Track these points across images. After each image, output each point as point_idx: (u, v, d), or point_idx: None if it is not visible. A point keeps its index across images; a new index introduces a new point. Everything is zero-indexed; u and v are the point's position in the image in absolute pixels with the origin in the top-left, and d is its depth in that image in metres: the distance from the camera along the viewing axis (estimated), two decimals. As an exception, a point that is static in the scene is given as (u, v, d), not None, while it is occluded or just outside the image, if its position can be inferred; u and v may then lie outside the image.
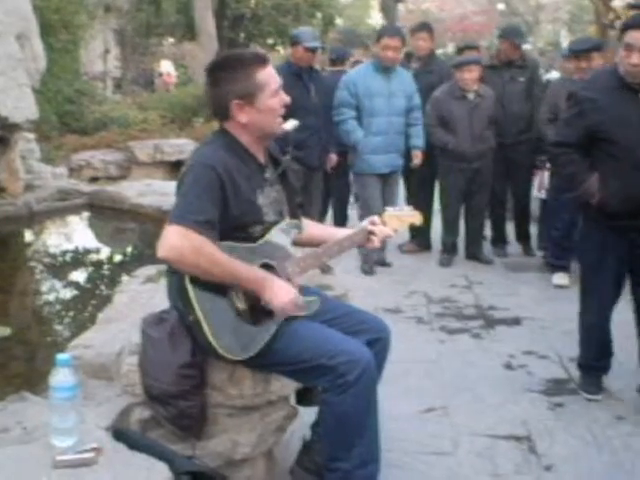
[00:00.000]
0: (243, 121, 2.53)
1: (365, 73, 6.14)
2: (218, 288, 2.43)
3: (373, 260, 6.30)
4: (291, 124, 2.86)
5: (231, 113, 2.53)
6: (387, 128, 6.07)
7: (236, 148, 2.57)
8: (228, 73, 2.52)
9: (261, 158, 2.67)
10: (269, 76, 2.55)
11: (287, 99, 2.62)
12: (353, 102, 6.02)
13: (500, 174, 6.64)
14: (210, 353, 2.48)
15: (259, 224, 2.56)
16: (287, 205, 2.75)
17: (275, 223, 2.62)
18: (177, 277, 2.45)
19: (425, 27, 6.85)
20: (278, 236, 2.62)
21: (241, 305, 2.47)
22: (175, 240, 2.32)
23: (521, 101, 6.49)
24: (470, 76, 6.26)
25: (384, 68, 6.06)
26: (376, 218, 2.87)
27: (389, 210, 2.92)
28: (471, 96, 6.33)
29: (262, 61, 2.56)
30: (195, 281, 2.39)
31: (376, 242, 2.81)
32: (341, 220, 7.33)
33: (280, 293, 2.46)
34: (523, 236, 6.97)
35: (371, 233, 2.81)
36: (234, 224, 2.47)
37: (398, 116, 6.12)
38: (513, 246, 7.02)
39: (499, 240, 7.01)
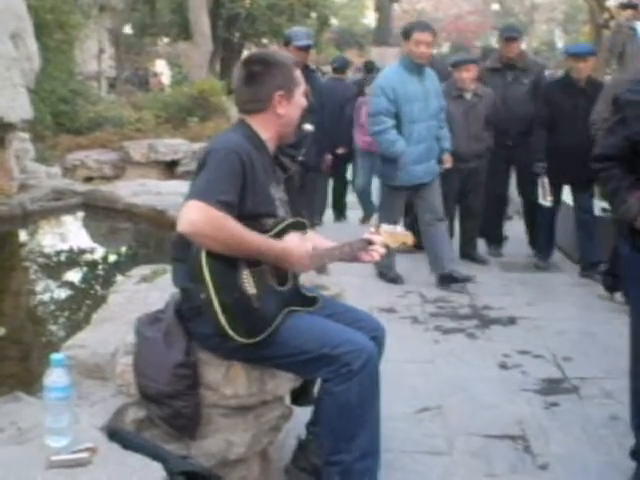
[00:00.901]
0: (281, 112, 2.66)
1: (400, 76, 5.69)
2: (230, 271, 2.45)
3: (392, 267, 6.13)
4: (307, 127, 2.98)
5: (272, 104, 2.64)
6: (426, 134, 5.75)
7: (256, 140, 2.64)
8: (272, 68, 2.66)
9: (271, 156, 2.74)
10: (300, 76, 2.76)
11: (305, 102, 2.80)
12: (392, 109, 5.59)
13: (501, 174, 6.64)
14: (209, 338, 2.49)
15: (271, 216, 2.60)
16: (290, 208, 2.77)
17: (284, 220, 2.65)
18: (189, 257, 2.46)
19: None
20: (290, 230, 2.65)
21: (251, 290, 2.48)
22: (196, 215, 2.33)
23: (525, 103, 6.44)
24: (468, 75, 6.26)
25: (417, 67, 5.68)
26: (373, 230, 2.89)
27: (384, 227, 2.95)
28: (468, 96, 6.34)
29: (295, 62, 2.83)
30: (209, 262, 2.40)
31: (375, 255, 2.80)
32: (338, 221, 7.37)
33: (299, 259, 2.56)
34: (535, 238, 6.84)
35: (370, 243, 2.80)
36: (249, 212, 2.50)
37: (434, 119, 5.82)
38: (508, 246, 7.02)
39: (494, 240, 7.01)
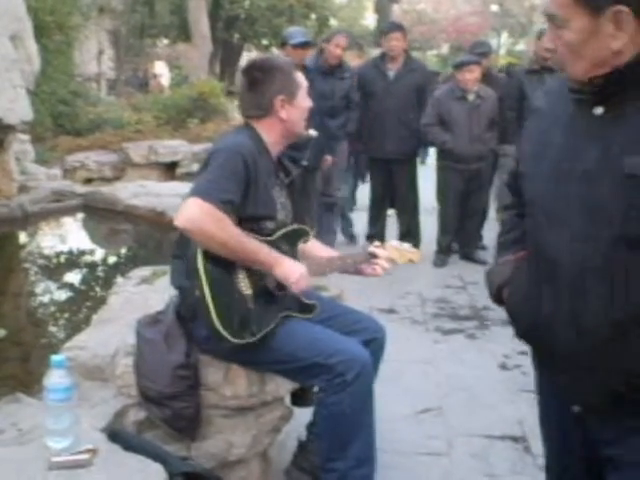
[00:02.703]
0: (284, 117, 2.67)
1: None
2: (227, 271, 2.45)
3: None
4: (312, 133, 2.96)
5: (274, 109, 2.66)
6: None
7: (260, 144, 2.65)
8: (271, 74, 2.68)
9: (275, 160, 2.75)
10: (301, 78, 2.77)
11: (310, 102, 2.79)
12: None
13: None
14: (206, 340, 2.49)
15: (272, 220, 2.60)
16: (291, 211, 2.77)
17: (283, 224, 2.65)
18: (186, 256, 2.47)
19: (398, 27, 6.86)
20: (292, 236, 2.67)
21: (246, 290, 2.48)
22: (195, 212, 2.34)
23: None
24: (471, 76, 6.25)
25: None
26: (378, 244, 2.87)
27: (391, 242, 2.93)
28: (471, 97, 6.32)
29: (295, 66, 2.83)
30: (206, 260, 2.40)
31: (379, 270, 2.77)
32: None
33: (292, 270, 2.51)
34: None
35: (373, 256, 2.77)
36: (250, 214, 2.50)
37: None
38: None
39: None
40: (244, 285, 2.48)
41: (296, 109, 2.70)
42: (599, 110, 1.55)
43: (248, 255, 2.45)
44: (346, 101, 6.47)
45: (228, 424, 2.61)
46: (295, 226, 2.70)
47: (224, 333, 2.40)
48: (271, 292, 2.56)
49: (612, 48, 1.48)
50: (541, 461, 3.25)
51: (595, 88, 1.54)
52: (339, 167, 6.76)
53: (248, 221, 2.49)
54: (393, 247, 2.86)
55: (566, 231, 1.58)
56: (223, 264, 2.44)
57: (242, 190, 2.45)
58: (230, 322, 2.41)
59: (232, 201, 2.40)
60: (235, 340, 2.42)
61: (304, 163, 2.94)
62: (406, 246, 2.93)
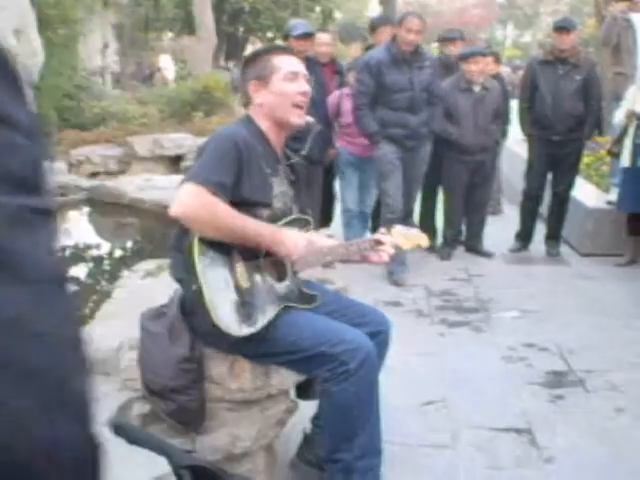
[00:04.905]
0: (258, 101, 2.66)
1: None
2: (224, 263, 2.45)
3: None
4: (309, 119, 2.87)
5: (250, 94, 2.67)
6: None
7: (257, 132, 2.65)
8: (249, 61, 2.73)
9: (278, 151, 2.73)
10: (285, 62, 2.68)
11: (306, 88, 2.69)
12: None
13: (541, 170, 6.58)
14: (208, 334, 2.48)
15: (267, 207, 2.57)
16: (295, 204, 2.75)
17: (282, 213, 2.64)
18: (185, 247, 2.45)
19: (390, 21, 6.83)
20: (289, 226, 2.64)
21: (244, 283, 2.48)
22: (186, 197, 2.34)
23: (574, 99, 6.29)
24: (477, 68, 6.24)
25: None
26: (384, 230, 2.83)
27: (397, 227, 2.87)
28: (477, 88, 6.31)
29: (282, 50, 2.78)
30: (202, 253, 2.40)
31: (385, 256, 2.69)
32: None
33: (294, 244, 2.53)
34: (555, 236, 6.79)
35: (378, 242, 2.70)
36: (245, 198, 2.48)
37: None
38: (512, 241, 6.99)
39: (524, 237, 6.86)
40: (242, 277, 2.48)
41: (271, 93, 2.65)
42: None
43: (244, 236, 2.44)
44: (428, 94, 5.79)
45: (233, 417, 2.61)
46: (295, 215, 2.69)
47: (222, 326, 2.39)
48: (271, 284, 2.55)
49: None
50: (546, 453, 3.26)
51: None
52: (422, 171, 6.04)
53: (242, 205, 2.47)
54: (399, 232, 2.79)
55: None
56: (220, 257, 2.44)
57: (234, 172, 2.44)
58: (228, 317, 2.41)
59: (222, 183, 2.39)
60: (233, 333, 2.41)
61: (303, 153, 2.87)
62: (413, 231, 2.88)
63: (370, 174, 6.26)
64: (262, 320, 2.48)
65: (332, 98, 6.19)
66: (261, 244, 2.50)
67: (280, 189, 2.65)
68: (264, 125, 2.68)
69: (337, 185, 6.88)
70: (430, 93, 5.79)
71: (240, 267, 2.48)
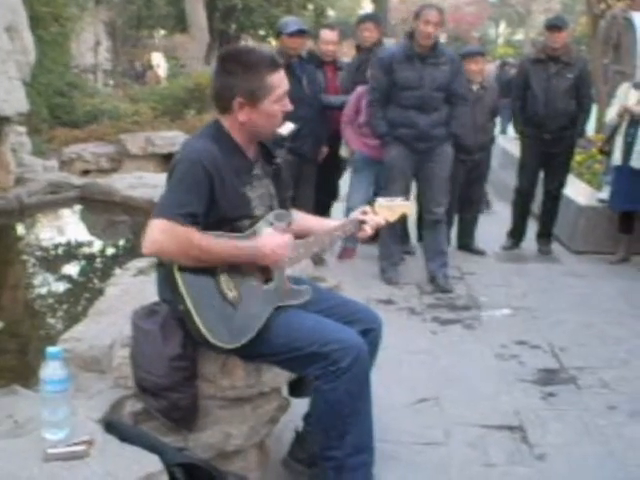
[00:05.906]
0: (241, 120, 2.50)
1: None
2: (207, 277, 2.42)
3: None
4: (287, 128, 2.84)
5: (232, 108, 2.50)
6: None
7: (227, 142, 2.53)
8: (240, 68, 2.47)
9: (251, 154, 2.63)
10: (279, 81, 2.52)
11: (289, 107, 2.59)
12: None
13: (533, 168, 6.60)
14: (202, 343, 2.46)
15: (248, 218, 2.54)
16: (277, 198, 2.72)
17: (265, 215, 2.61)
18: (165, 268, 2.43)
19: (371, 17, 6.80)
20: (265, 227, 2.57)
21: (231, 293, 2.46)
22: (159, 235, 2.30)
23: (565, 98, 6.30)
24: (476, 67, 6.25)
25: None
26: (367, 208, 2.86)
27: (380, 200, 2.91)
28: (475, 88, 6.31)
29: (276, 65, 2.53)
30: (183, 270, 2.38)
31: (368, 230, 2.80)
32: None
33: (276, 252, 2.48)
34: (547, 233, 6.81)
35: (362, 222, 2.80)
36: (223, 217, 2.46)
37: None
38: (503, 239, 7.00)
39: (516, 235, 6.88)
40: (227, 287, 2.46)
41: (259, 114, 2.50)
42: None
43: (225, 259, 2.41)
44: (444, 93, 5.47)
45: (225, 415, 2.61)
46: (274, 213, 2.62)
47: (214, 342, 2.40)
48: (258, 288, 2.54)
49: None
50: (538, 450, 3.27)
51: None
52: (441, 176, 5.66)
53: (223, 223, 2.45)
54: (383, 206, 2.85)
55: None
56: (203, 272, 2.41)
57: (206, 197, 2.38)
58: (219, 330, 2.41)
59: (193, 214, 2.34)
60: (227, 346, 2.43)
61: (279, 160, 2.81)
62: (397, 201, 2.93)
63: (382, 177, 6.09)
64: (254, 327, 2.47)
65: (353, 96, 6.03)
66: (244, 261, 2.47)
67: (258, 193, 2.60)
68: (237, 135, 2.55)
69: (341, 184, 6.89)
70: (449, 92, 5.47)
71: (224, 277, 2.45)
